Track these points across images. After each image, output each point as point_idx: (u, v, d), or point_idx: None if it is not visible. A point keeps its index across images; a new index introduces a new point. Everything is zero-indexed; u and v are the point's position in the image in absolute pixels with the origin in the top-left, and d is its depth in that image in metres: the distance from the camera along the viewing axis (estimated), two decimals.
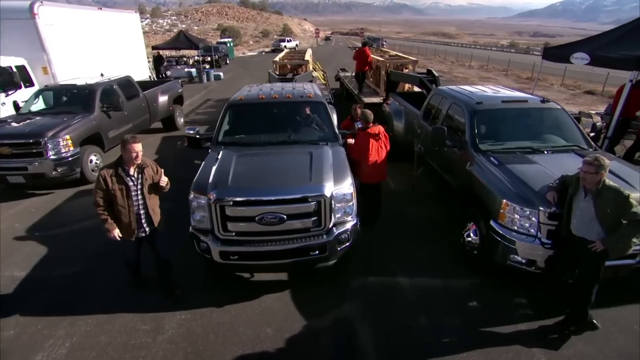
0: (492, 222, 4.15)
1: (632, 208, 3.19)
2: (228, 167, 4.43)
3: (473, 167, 4.70)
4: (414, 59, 12.04)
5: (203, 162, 4.72)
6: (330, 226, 4.16)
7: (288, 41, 49.87)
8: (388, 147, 5.50)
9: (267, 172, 4.39)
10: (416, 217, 6.01)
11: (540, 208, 3.78)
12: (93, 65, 11.05)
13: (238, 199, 3.95)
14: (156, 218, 3.96)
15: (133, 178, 3.75)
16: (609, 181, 3.34)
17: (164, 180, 3.93)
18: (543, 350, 3.55)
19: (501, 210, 4.02)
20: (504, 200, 3.98)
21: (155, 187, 3.90)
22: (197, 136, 5.44)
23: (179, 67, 23.62)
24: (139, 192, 3.79)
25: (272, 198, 3.95)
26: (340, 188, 4.19)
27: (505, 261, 4.06)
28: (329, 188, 4.08)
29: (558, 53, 8.82)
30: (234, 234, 4.07)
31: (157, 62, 22.59)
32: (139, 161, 3.71)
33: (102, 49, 12.29)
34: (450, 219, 5.69)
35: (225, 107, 5.68)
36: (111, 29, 13.09)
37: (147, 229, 3.93)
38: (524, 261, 3.96)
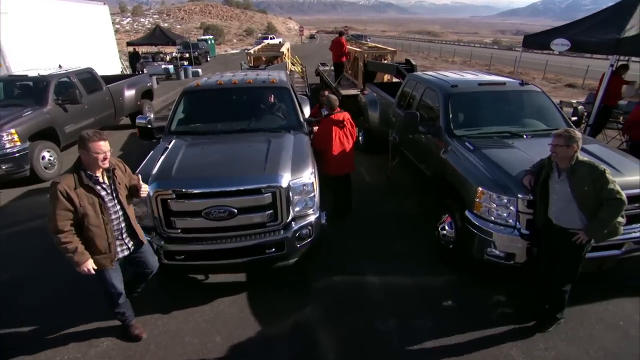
0: (467, 213, 3.77)
1: (608, 184, 2.85)
2: (175, 157, 3.97)
3: (447, 154, 4.32)
4: (392, 49, 11.71)
5: (150, 153, 4.25)
6: (288, 220, 3.73)
7: (271, 38, 49.02)
8: (355, 136, 5.09)
9: (217, 161, 3.93)
10: (390, 211, 5.61)
11: (519, 195, 3.41)
12: (54, 57, 10.37)
13: (180, 191, 3.49)
14: (139, 229, 3.15)
15: (104, 185, 2.83)
16: (583, 157, 3.01)
17: (145, 190, 3.16)
18: (523, 354, 3.17)
19: (476, 199, 3.64)
20: (479, 188, 3.60)
21: (130, 193, 3.08)
22: (149, 126, 4.94)
23: (155, 63, 22.84)
24: (116, 201, 2.91)
25: (220, 190, 3.49)
26: (299, 178, 3.76)
27: (482, 255, 3.68)
28: (286, 178, 3.65)
29: (538, 40, 8.57)
30: (179, 231, 3.62)
31: (133, 59, 21.88)
32: (106, 164, 2.77)
33: (65, 40, 11.65)
34: (426, 211, 5.31)
35: (180, 94, 5.21)
36: (76, 21, 12.43)
37: (130, 245, 3.10)
38: (502, 255, 3.59)
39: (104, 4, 14.32)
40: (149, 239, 3.56)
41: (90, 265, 2.78)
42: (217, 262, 3.72)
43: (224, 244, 3.59)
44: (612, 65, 6.68)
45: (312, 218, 3.87)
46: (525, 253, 3.50)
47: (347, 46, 12.00)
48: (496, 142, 4.20)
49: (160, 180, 3.57)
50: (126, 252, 3.09)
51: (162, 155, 4.06)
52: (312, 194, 3.87)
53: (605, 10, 7.83)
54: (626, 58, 8.60)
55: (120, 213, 2.97)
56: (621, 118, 8.33)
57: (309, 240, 3.88)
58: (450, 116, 4.66)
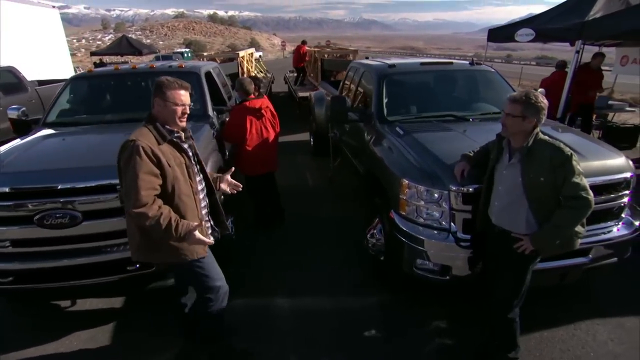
0: (392, 214, 2.93)
1: (573, 176, 2.03)
2: (21, 150, 3.11)
3: (375, 142, 3.51)
4: (353, 49, 11.14)
5: None
6: None
7: None
8: (278, 128, 4.26)
9: (71, 154, 3.07)
10: (326, 217, 4.75)
11: (451, 187, 2.58)
12: None
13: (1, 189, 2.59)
14: (220, 214, 2.43)
15: (186, 146, 2.18)
16: (545, 135, 2.16)
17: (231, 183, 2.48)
18: None
19: (401, 195, 2.80)
20: (404, 180, 2.77)
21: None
22: (24, 118, 4.05)
23: None
24: (198, 168, 2.26)
25: (55, 186, 2.60)
26: None
27: (411, 269, 2.83)
28: None
29: (503, 33, 7.92)
30: (8, 244, 2.70)
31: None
32: (184, 121, 2.13)
33: (4, 42, 10.73)
34: (365, 216, 4.47)
35: (65, 82, 4.34)
36: (15, 22, 11.51)
37: (216, 232, 2.41)
38: (435, 268, 2.74)
39: (54, 7, 13.45)
40: None
41: (209, 240, 2.06)
42: (57, 284, 2.78)
43: (66, 261, 2.68)
44: (577, 52, 6.03)
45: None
46: (464, 265, 2.66)
47: (307, 55, 12.40)
48: (433, 126, 3.41)
49: None
50: (211, 239, 2.20)
51: (8, 149, 3.18)
52: None
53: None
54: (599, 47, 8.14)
55: (204, 184, 2.30)
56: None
57: None
58: (386, 100, 3.87)
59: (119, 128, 3.60)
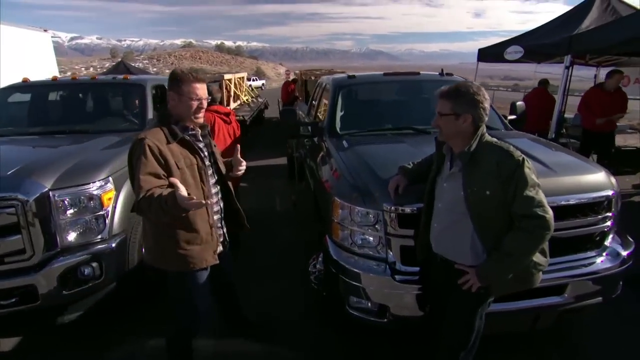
0: (327, 240, 2.43)
1: (526, 188, 1.56)
2: None
3: (322, 158, 3.06)
4: (342, 71, 10.98)
5: None
6: (50, 254, 2.39)
7: (254, 80, 49.27)
8: (238, 136, 3.93)
9: None
10: (283, 244, 4.25)
11: (384, 206, 2.09)
12: None
13: None
14: (241, 216, 2.32)
15: (201, 145, 2.05)
16: (492, 137, 1.72)
17: (243, 167, 2.23)
18: None
19: (334, 218, 2.31)
20: (335, 198, 2.29)
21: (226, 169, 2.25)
22: None
23: None
24: (214, 169, 2.11)
25: None
26: (76, 187, 2.50)
27: (345, 308, 2.31)
28: (41, 185, 2.34)
29: (493, 52, 7.70)
30: None
31: None
32: (201, 117, 2.01)
33: None
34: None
35: None
36: (7, 44, 11.49)
37: (226, 239, 2.24)
38: (373, 308, 2.22)
39: (45, 31, 13.53)
40: None
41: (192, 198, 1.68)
42: None
43: None
44: (567, 68, 5.64)
45: (101, 248, 2.54)
46: (411, 304, 2.14)
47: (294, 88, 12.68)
48: (383, 139, 2.97)
49: None
50: (221, 248, 2.16)
51: None
52: (102, 212, 2.56)
53: (561, 15, 7.01)
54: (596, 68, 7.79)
55: (219, 188, 2.15)
56: None
57: (96, 283, 2.53)
58: (341, 112, 3.46)
59: (33, 142, 3.21)
